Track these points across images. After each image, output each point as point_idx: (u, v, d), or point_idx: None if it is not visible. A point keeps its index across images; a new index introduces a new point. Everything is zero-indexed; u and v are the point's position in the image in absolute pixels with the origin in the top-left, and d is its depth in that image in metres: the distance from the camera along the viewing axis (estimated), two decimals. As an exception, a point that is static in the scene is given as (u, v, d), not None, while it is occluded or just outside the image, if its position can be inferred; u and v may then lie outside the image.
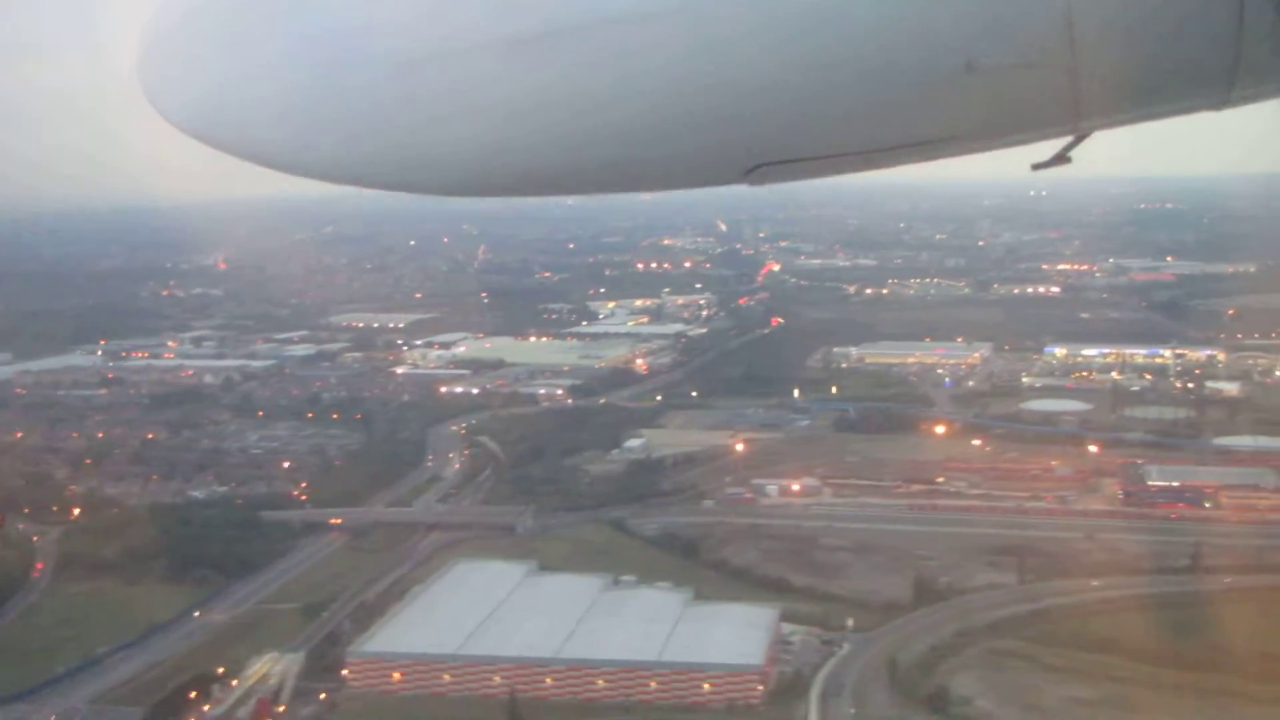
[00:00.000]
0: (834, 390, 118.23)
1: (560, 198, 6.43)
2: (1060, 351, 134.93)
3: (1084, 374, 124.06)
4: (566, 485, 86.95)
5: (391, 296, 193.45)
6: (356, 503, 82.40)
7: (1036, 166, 5.51)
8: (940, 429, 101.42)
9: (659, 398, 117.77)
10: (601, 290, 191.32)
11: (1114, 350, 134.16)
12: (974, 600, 62.92)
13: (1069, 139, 5.33)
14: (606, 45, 5.12)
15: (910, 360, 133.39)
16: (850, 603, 63.42)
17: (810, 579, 66.96)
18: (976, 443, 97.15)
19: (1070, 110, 4.96)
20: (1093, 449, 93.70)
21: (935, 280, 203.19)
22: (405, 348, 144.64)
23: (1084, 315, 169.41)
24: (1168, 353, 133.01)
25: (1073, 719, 52.12)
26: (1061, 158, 5.43)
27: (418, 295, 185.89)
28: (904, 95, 5.01)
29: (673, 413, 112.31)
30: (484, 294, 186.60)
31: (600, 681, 54.23)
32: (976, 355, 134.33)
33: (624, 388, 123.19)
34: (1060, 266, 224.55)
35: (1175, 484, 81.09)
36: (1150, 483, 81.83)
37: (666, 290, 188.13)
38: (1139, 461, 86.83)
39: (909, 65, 4.90)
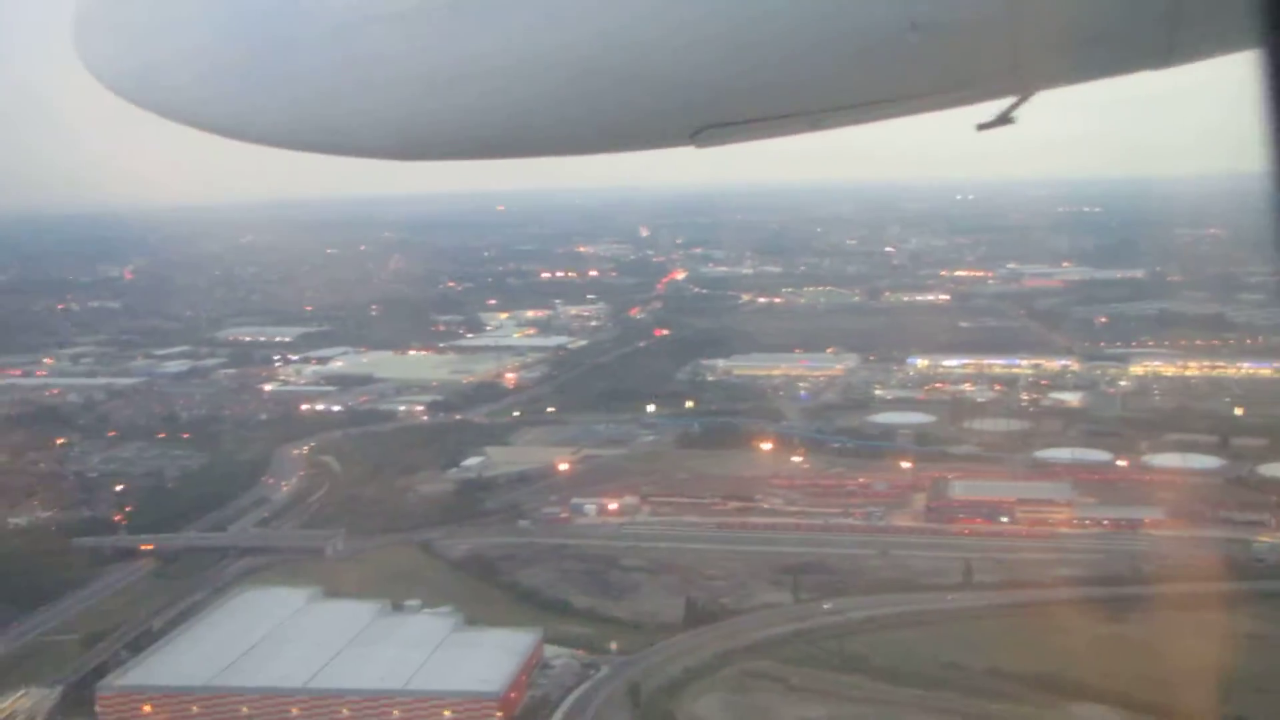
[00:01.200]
0: (689, 405, 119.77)
1: (508, 160, 6.35)
2: (923, 363, 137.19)
3: (938, 386, 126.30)
4: (392, 506, 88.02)
5: (288, 309, 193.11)
6: (177, 527, 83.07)
7: (981, 127, 5.52)
8: (779, 444, 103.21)
9: (516, 414, 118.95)
10: (492, 302, 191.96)
11: (973, 361, 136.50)
12: (744, 621, 64.73)
13: (1013, 99, 5.34)
14: (550, 6, 5.10)
15: (776, 372, 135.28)
16: (626, 625, 65.08)
17: (595, 600, 68.53)
18: (810, 458, 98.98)
19: (1012, 69, 4.94)
20: (915, 464, 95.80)
21: (828, 288, 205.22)
22: (279, 364, 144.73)
23: (963, 324, 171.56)
24: (1024, 363, 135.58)
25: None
26: (1005, 118, 5.43)
27: (309, 308, 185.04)
28: (848, 55, 5.00)
29: (526, 429, 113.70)
30: (375, 306, 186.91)
31: (345, 711, 55.53)
32: (840, 367, 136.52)
33: (487, 403, 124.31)
34: (958, 273, 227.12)
35: (976, 499, 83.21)
36: (953, 498, 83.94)
37: (558, 301, 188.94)
38: (948, 477, 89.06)
39: (852, 25, 4.87)
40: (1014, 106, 5.29)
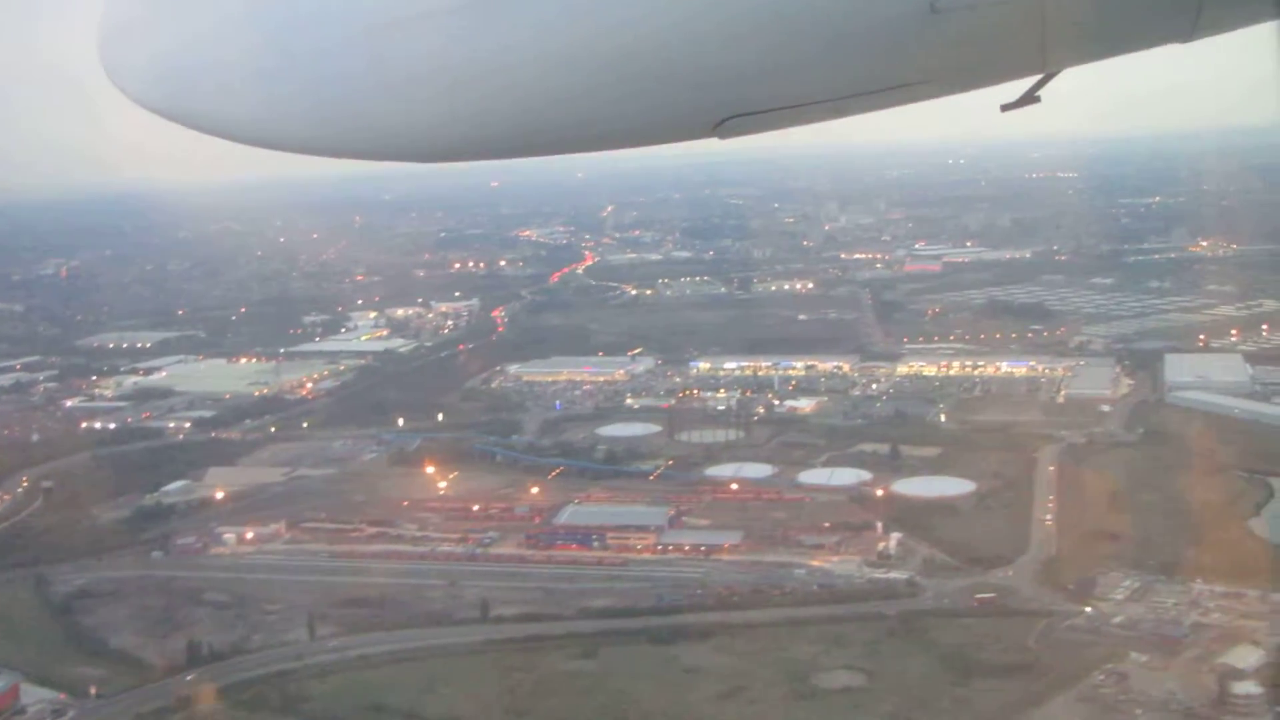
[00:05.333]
0: (439, 418, 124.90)
1: (535, 159, 6.43)
2: (704, 365, 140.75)
3: (692, 392, 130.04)
4: (60, 536, 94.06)
5: (170, 311, 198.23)
6: None
7: (1006, 107, 5.53)
8: (482, 462, 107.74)
9: (273, 429, 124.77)
10: (378, 298, 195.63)
11: (752, 363, 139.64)
12: (240, 662, 70.27)
13: (1037, 78, 5.34)
14: (573, 3, 5.15)
15: (561, 378, 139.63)
16: (137, 665, 70.87)
17: (137, 639, 74.30)
18: (495, 477, 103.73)
19: (1037, 47, 4.91)
20: (577, 484, 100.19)
21: (700, 279, 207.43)
22: (105, 375, 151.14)
23: (802, 317, 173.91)
24: (799, 364, 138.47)
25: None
26: (1030, 97, 5.42)
27: (181, 312, 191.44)
28: (869, 40, 4.99)
29: (272, 445, 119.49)
30: (245, 308, 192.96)
31: None
32: (623, 372, 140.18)
33: (262, 416, 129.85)
34: (856, 255, 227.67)
35: (576, 525, 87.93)
36: (556, 524, 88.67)
37: (421, 299, 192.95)
38: (576, 499, 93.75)
39: (873, 10, 4.90)
40: (1039, 85, 5.33)
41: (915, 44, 5.01)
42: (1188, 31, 5.01)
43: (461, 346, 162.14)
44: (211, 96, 6.21)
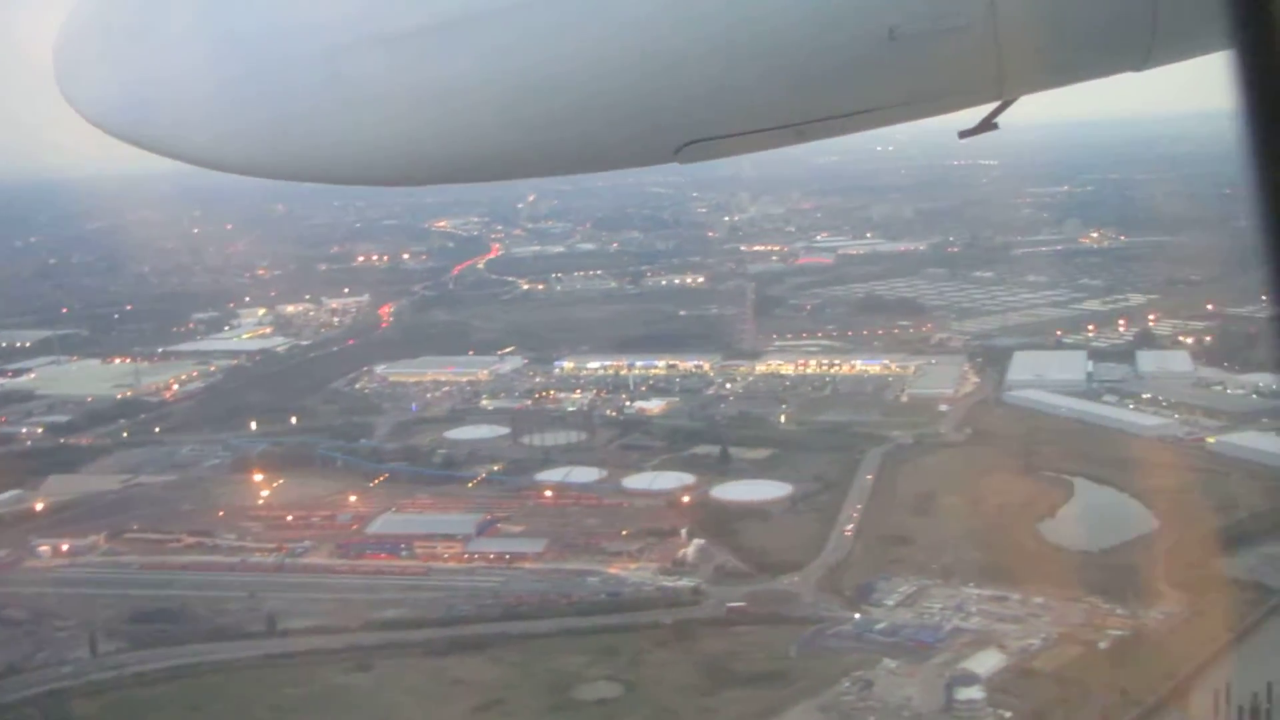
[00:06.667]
0: (293, 420, 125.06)
1: (495, 182, 6.36)
2: (569, 364, 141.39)
3: (547, 393, 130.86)
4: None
5: (67, 306, 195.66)
6: None
7: (964, 134, 5.69)
8: (323, 468, 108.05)
9: (125, 434, 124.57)
10: (247, 297, 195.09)
11: (615, 362, 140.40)
12: (16, 681, 70.65)
13: (995, 105, 5.45)
14: (530, 26, 5.14)
15: (426, 379, 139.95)
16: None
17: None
18: (327, 484, 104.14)
19: (993, 76, 5.02)
20: (404, 489, 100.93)
21: (593, 273, 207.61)
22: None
23: (682, 313, 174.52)
24: (661, 363, 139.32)
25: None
26: (988, 124, 5.57)
27: (65, 310, 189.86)
28: (828, 66, 5.10)
29: (122, 452, 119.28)
30: (130, 305, 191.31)
31: None
32: (486, 372, 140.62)
33: (121, 420, 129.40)
34: (756, 248, 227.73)
35: (388, 534, 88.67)
36: (369, 533, 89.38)
37: (307, 296, 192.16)
38: (393, 508, 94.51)
39: (832, 36, 4.99)
40: (996, 112, 5.47)
41: (874, 71, 5.13)
42: (1140, 61, 5.22)
43: (339, 346, 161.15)
44: (168, 118, 6.20)
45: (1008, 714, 60.66)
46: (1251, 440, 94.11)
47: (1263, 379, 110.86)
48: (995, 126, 5.59)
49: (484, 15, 5.18)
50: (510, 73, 5.28)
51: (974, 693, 60.42)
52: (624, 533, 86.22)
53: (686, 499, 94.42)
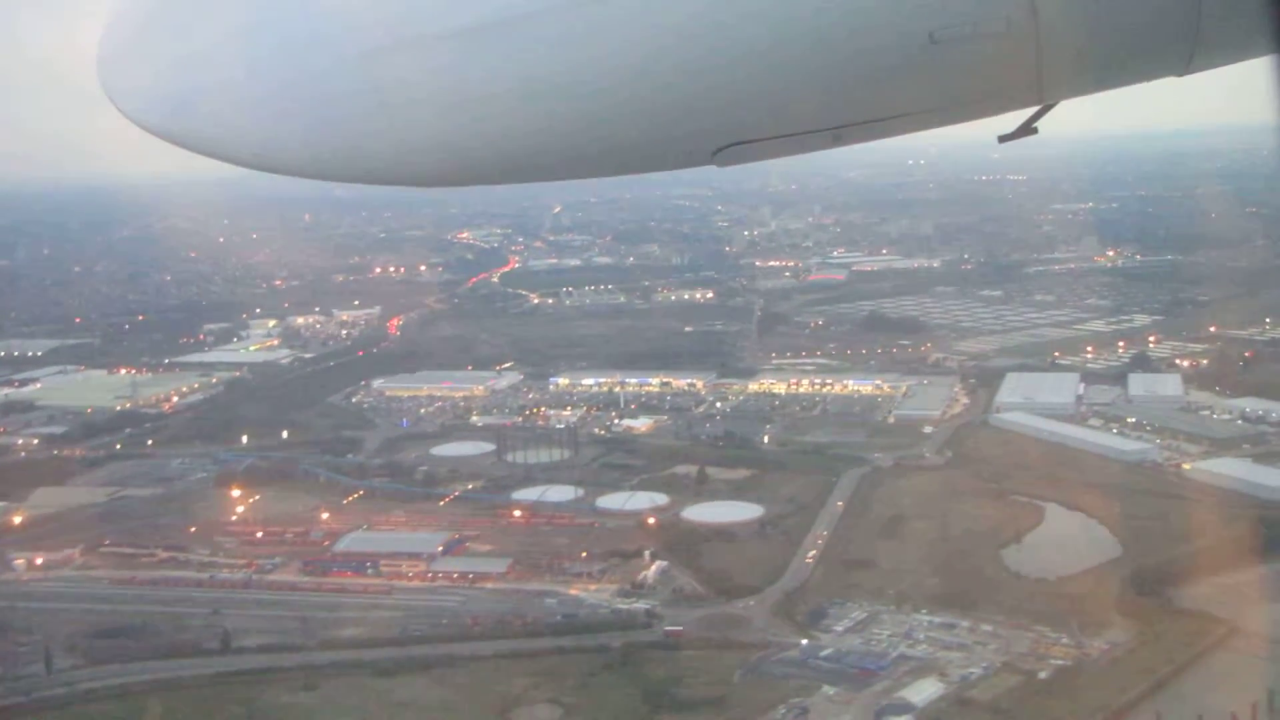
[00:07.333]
0: (284, 435, 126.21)
1: (528, 184, 6.44)
2: (564, 380, 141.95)
3: (538, 410, 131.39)
4: None
5: (82, 315, 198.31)
6: None
7: (1003, 138, 5.73)
8: (308, 483, 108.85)
9: (118, 446, 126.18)
10: (257, 309, 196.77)
11: (610, 379, 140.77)
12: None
13: (1034, 109, 5.48)
14: (569, 28, 5.21)
15: (422, 393, 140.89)
16: None
17: None
18: (312, 499, 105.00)
19: (1034, 80, 5.05)
20: (386, 506, 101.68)
21: (604, 288, 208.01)
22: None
23: (688, 329, 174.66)
24: (655, 380, 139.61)
25: None
26: (1027, 129, 5.58)
27: (78, 320, 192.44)
28: (867, 70, 5.14)
29: (114, 464, 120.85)
30: (142, 315, 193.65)
31: None
32: (481, 388, 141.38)
33: (118, 432, 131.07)
34: (771, 263, 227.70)
35: (355, 551, 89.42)
36: (338, 550, 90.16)
37: (317, 308, 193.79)
38: (365, 525, 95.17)
39: (872, 39, 5.02)
40: (1036, 117, 5.46)
41: (914, 74, 5.11)
42: (1182, 66, 5.17)
43: (343, 359, 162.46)
44: (210, 118, 6.28)
45: (937, 745, 60.05)
46: (1227, 467, 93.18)
47: (1250, 404, 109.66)
48: (1035, 131, 5.60)
49: (522, 18, 5.23)
50: (548, 75, 5.33)
51: (902, 724, 60.11)
52: (583, 555, 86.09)
53: (657, 520, 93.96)
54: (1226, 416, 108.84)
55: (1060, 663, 67.31)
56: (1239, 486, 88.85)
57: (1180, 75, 5.26)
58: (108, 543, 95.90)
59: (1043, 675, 65.87)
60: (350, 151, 5.99)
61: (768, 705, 65.61)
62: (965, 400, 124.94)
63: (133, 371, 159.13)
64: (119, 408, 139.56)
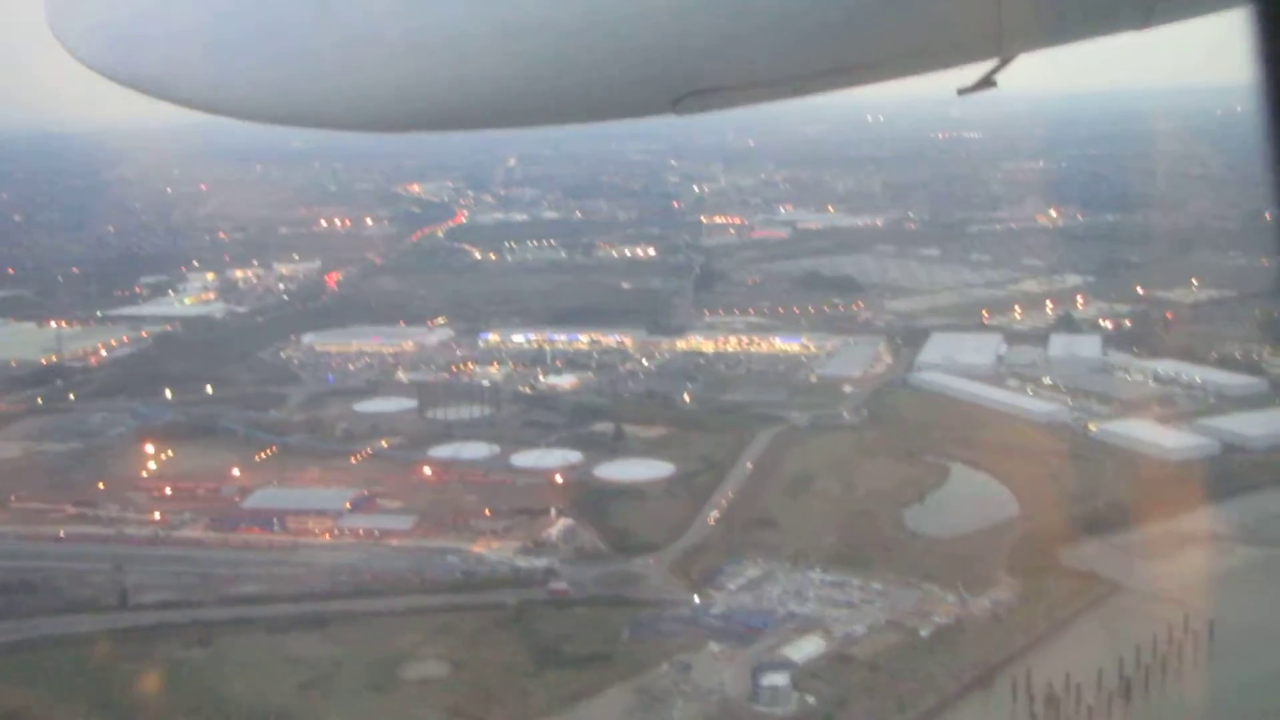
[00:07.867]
0: (209, 390, 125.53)
1: (490, 130, 6.25)
2: (493, 337, 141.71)
3: (465, 365, 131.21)
4: None
5: (17, 267, 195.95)
6: None
7: (962, 91, 5.61)
8: (224, 439, 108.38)
9: (40, 400, 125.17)
10: (195, 261, 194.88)
11: (539, 335, 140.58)
12: None
13: (994, 63, 5.39)
14: None
15: (351, 349, 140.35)
16: None
17: None
18: (226, 455, 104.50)
19: (993, 32, 4.94)
20: (297, 463, 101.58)
21: (546, 243, 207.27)
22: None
23: (625, 285, 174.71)
24: (584, 338, 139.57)
25: None
26: (987, 81, 5.49)
27: (11, 271, 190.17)
28: (827, 19, 5.03)
29: (35, 418, 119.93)
30: (76, 267, 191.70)
31: None
32: (411, 343, 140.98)
33: (39, 385, 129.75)
34: (716, 219, 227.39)
35: (263, 508, 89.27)
36: (246, 506, 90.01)
37: (254, 262, 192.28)
38: (280, 479, 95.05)
39: None
40: (995, 70, 5.41)
41: (873, 25, 5.03)
42: (1142, 19, 5.13)
43: (277, 313, 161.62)
44: (161, 59, 6.07)
45: (811, 699, 61.03)
46: (1130, 428, 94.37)
47: (1164, 365, 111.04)
48: (994, 84, 5.52)
49: None
50: (509, 19, 5.21)
51: (779, 679, 60.97)
52: (486, 512, 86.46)
53: (569, 478, 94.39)
54: (1139, 378, 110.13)
55: (943, 621, 68.07)
56: (1140, 448, 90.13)
57: (1140, 29, 5.26)
58: (15, 498, 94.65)
59: (924, 633, 66.65)
60: (304, 95, 5.85)
61: (651, 662, 66.27)
62: (888, 360, 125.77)
63: (63, 324, 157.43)
64: (44, 361, 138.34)
